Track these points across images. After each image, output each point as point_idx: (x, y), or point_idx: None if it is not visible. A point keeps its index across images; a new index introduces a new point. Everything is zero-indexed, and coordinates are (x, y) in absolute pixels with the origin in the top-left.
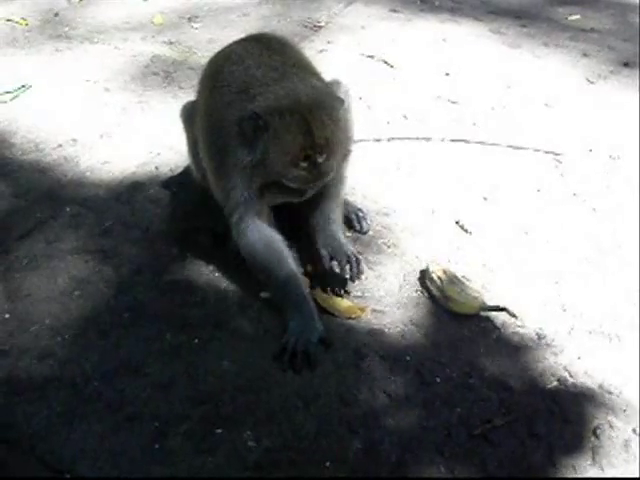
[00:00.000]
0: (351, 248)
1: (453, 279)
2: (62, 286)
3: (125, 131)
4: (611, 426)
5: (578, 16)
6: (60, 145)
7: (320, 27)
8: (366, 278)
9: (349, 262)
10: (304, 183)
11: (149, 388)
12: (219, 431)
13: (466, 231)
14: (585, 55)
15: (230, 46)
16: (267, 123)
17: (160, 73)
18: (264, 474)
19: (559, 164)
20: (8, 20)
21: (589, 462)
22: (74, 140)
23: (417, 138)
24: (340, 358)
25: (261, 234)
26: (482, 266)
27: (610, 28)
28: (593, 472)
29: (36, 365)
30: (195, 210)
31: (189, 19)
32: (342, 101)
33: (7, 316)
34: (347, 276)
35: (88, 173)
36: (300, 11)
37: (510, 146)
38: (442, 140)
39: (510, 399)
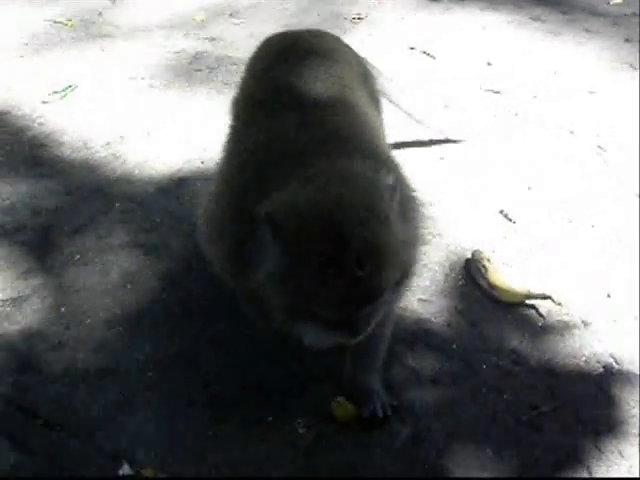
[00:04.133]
0: (382, 394)
1: (498, 268)
2: (114, 280)
3: (171, 127)
4: None
5: (620, 0)
6: (108, 143)
7: (360, 19)
8: None
9: (374, 409)
10: (346, 310)
11: (201, 377)
12: (270, 419)
13: (510, 220)
14: (627, 40)
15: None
16: (282, 228)
17: (204, 69)
18: (315, 459)
19: (603, 152)
20: (55, 22)
21: (635, 447)
22: (122, 137)
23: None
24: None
25: None
26: (527, 254)
27: None
28: None
29: (92, 357)
30: None
31: (230, 15)
32: (393, 189)
33: (63, 310)
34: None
35: (136, 170)
36: (340, 3)
37: (553, 134)
38: (484, 129)
39: (556, 385)
